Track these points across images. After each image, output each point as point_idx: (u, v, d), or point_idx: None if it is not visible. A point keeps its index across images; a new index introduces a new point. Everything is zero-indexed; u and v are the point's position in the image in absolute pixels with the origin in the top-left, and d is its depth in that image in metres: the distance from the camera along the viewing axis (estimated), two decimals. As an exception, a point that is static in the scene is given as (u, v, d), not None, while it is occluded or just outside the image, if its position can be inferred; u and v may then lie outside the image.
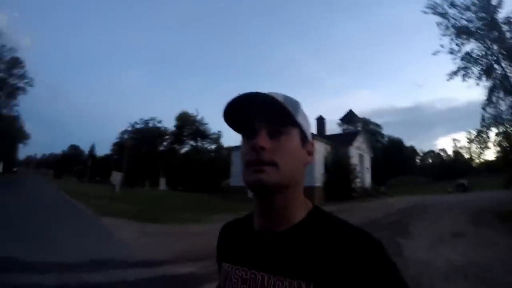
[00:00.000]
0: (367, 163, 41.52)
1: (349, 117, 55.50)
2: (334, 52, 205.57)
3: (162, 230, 11.96)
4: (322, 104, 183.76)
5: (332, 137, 38.38)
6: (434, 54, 20.74)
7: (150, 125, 75.85)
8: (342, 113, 59.86)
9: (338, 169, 30.54)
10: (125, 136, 75.14)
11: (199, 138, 70.92)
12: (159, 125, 76.33)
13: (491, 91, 19.48)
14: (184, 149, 73.33)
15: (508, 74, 19.02)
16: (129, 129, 76.49)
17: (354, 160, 34.65)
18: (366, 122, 73.80)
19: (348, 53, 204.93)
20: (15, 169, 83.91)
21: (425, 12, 20.80)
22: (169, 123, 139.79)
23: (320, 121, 41.84)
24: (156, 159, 67.67)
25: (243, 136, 0.89)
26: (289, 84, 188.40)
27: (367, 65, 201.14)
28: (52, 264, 6.57)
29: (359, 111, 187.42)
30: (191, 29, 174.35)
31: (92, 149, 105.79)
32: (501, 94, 19.35)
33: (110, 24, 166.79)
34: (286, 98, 0.86)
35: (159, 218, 14.80)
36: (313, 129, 29.10)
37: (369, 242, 0.76)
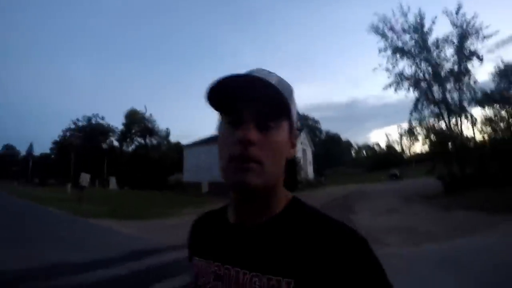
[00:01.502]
0: (309, 156, 45.28)
1: None
2: (274, 44, 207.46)
3: (147, 225, 13.14)
4: None
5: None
6: (373, 70, 24.60)
7: (93, 122, 74.14)
8: None
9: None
10: (68, 134, 73.02)
11: (147, 135, 70.60)
12: (102, 121, 74.80)
13: (417, 100, 23.34)
14: (132, 147, 72.79)
15: (432, 88, 23.06)
16: (72, 127, 73.89)
17: (298, 154, 37.89)
18: (305, 117, 78.10)
19: (287, 46, 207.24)
20: None
21: (368, 32, 24.32)
22: (112, 120, 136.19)
23: None
24: (102, 157, 66.05)
25: (224, 119, 0.79)
26: (224, 72, 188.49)
27: (305, 60, 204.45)
28: (94, 261, 7.09)
29: (298, 105, 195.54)
30: (135, 18, 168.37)
31: (30, 148, 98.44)
32: (425, 103, 23.24)
33: (50, 7, 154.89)
34: (280, 81, 0.79)
35: (135, 215, 15.89)
36: None
37: (353, 238, 0.71)
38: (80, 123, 74.11)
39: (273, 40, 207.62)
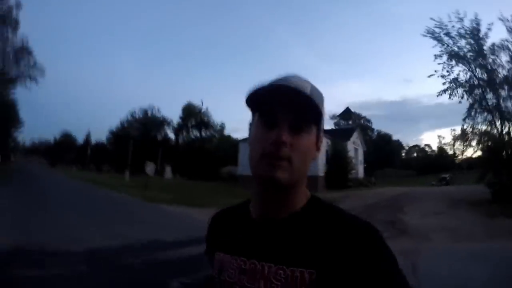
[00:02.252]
0: (361, 156, 46.46)
1: (346, 114, 60.56)
2: (324, 39, 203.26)
3: (211, 212, 15.05)
4: None
5: (332, 132, 42.91)
6: (428, 76, 24.99)
7: (149, 114, 77.31)
8: (330, 103, 64.83)
9: (338, 161, 34.96)
10: (125, 124, 77.12)
11: (203, 128, 72.61)
12: (157, 114, 77.74)
13: (471, 107, 23.77)
14: (188, 139, 74.83)
15: (486, 94, 23.39)
16: (129, 118, 77.76)
17: (351, 153, 39.17)
18: (357, 116, 78.38)
19: (338, 42, 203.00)
20: (12, 159, 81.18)
21: (424, 36, 24.70)
22: (168, 112, 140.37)
23: None
24: (157, 147, 68.25)
25: (260, 119, 0.85)
26: (278, 69, 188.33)
27: (356, 56, 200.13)
28: (180, 240, 8.14)
29: (346, 103, 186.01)
30: (193, 14, 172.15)
31: (88, 137, 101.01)
32: (478, 110, 23.69)
33: (106, 3, 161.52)
34: (313, 89, 0.85)
35: (198, 203, 17.45)
36: None
37: (369, 230, 0.78)
38: (136, 115, 77.51)
39: (323, 35, 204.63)
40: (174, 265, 6.48)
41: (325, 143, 35.08)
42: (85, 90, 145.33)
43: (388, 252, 0.76)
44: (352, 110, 65.54)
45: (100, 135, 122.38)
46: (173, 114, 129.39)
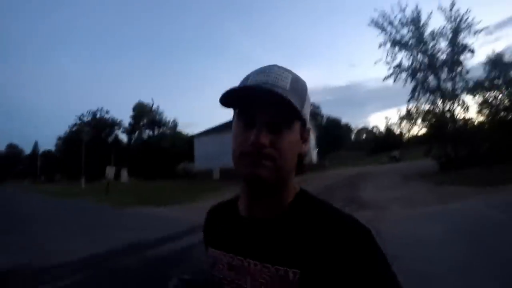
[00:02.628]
0: (313, 141, 47.67)
1: None
2: (270, 29, 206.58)
3: (186, 208, 14.48)
4: None
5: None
6: (375, 63, 26.93)
7: (97, 116, 75.39)
8: None
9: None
10: (74, 129, 74.30)
11: (155, 127, 72.10)
12: (107, 115, 76.09)
13: (414, 89, 25.61)
14: (141, 139, 73.79)
15: (428, 77, 25.41)
16: (78, 122, 75.34)
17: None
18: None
19: (284, 31, 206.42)
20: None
21: (369, 25, 26.49)
22: (117, 113, 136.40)
23: None
24: (109, 150, 66.46)
25: (238, 118, 0.83)
26: (227, 62, 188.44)
27: (302, 45, 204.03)
28: (159, 238, 8.25)
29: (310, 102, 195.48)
30: (136, 10, 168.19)
31: (35, 146, 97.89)
32: (421, 92, 25.51)
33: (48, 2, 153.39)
34: (294, 81, 0.81)
35: (163, 203, 17.28)
36: None
37: (357, 229, 0.76)
38: (85, 118, 75.10)
39: (268, 25, 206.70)
40: (168, 260, 6.63)
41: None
42: (26, 98, 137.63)
43: (378, 251, 0.74)
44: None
45: (48, 144, 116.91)
46: (122, 115, 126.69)
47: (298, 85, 0.82)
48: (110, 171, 27.37)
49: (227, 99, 0.79)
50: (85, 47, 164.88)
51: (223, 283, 0.86)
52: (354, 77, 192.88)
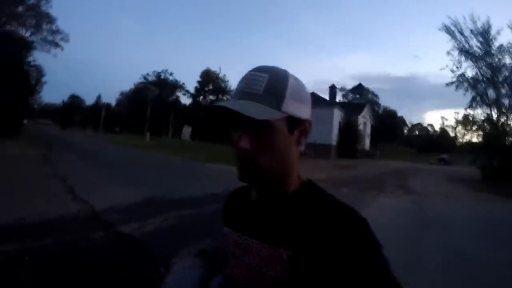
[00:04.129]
0: (368, 130, 50.20)
1: (359, 89, 64.20)
2: (332, 9, 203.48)
3: None
4: (318, 62, 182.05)
5: (345, 105, 46.56)
6: (441, 69, 28.94)
7: (162, 77, 79.96)
8: (338, 73, 67.14)
9: (349, 133, 38.56)
10: (139, 87, 79.04)
11: (220, 94, 75.33)
12: (170, 77, 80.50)
13: (473, 99, 27.72)
14: (206, 103, 75.79)
15: (488, 90, 27.27)
16: (143, 80, 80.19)
17: (360, 127, 42.85)
18: (366, 91, 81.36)
19: (349, 12, 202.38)
20: (25, 121, 79.86)
21: (440, 30, 28.31)
22: (180, 76, 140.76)
23: (332, 89, 47.20)
24: (174, 110, 71.16)
25: (230, 124, 0.86)
26: (285, 37, 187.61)
27: (365, 27, 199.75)
28: None
29: (353, 74, 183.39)
30: None
31: (98, 99, 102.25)
32: (479, 103, 27.68)
33: None
34: (270, 81, 0.81)
35: (230, 162, 18.98)
36: (325, 95, 42.09)
37: (352, 216, 0.78)
38: (149, 78, 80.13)
39: (334, 5, 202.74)
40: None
41: (338, 115, 38.56)
42: (92, 55, 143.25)
43: (372, 241, 0.75)
44: (360, 82, 68.45)
45: (109, 98, 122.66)
46: (185, 79, 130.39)
47: (274, 84, 0.81)
48: (186, 130, 29.98)
49: (216, 113, 0.85)
50: (154, 11, 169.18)
51: (231, 257, 0.93)
52: (417, 69, 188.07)
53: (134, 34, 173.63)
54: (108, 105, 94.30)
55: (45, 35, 35.85)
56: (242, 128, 0.81)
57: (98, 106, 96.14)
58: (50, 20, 35.01)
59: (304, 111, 0.86)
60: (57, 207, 6.94)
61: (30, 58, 37.31)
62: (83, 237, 5.33)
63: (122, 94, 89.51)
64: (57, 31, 36.28)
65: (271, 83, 0.81)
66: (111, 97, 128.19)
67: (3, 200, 6.98)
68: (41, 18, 34.03)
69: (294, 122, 0.84)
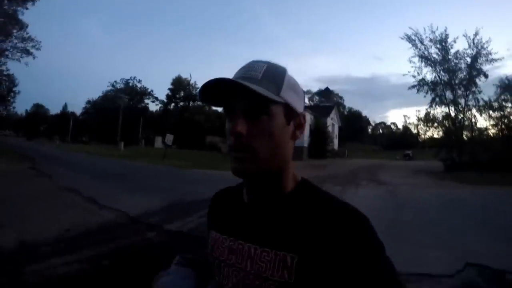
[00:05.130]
0: (336, 131, 52.48)
1: (326, 93, 67.13)
2: (295, 11, 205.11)
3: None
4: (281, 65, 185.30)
5: (313, 108, 48.70)
6: (404, 75, 32.26)
7: (130, 84, 79.62)
8: (301, 77, 70.38)
9: (319, 135, 40.52)
10: (108, 94, 78.90)
11: (191, 101, 75.70)
12: (139, 84, 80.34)
13: (433, 100, 30.46)
14: (177, 110, 77.36)
15: (445, 92, 30.16)
16: (111, 88, 79.66)
17: (329, 128, 44.93)
18: (331, 93, 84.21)
19: (309, 14, 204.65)
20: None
21: (402, 38, 30.91)
22: (148, 83, 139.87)
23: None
24: (144, 118, 71.50)
25: (224, 113, 0.84)
26: (251, 42, 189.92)
27: (327, 32, 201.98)
28: None
29: (316, 76, 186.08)
30: None
31: (64, 108, 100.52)
32: (438, 103, 30.45)
33: None
34: (268, 69, 0.81)
35: (214, 167, 20.10)
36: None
37: (355, 216, 0.76)
38: (118, 85, 79.55)
39: (296, 9, 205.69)
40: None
41: (309, 118, 40.31)
42: (55, 62, 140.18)
43: (376, 241, 0.74)
44: (322, 84, 71.34)
45: (72, 107, 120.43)
46: (152, 86, 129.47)
47: (273, 72, 0.81)
48: (168, 138, 29.97)
49: (205, 96, 0.82)
50: (117, 18, 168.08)
51: (223, 265, 0.87)
52: (378, 70, 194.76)
53: (98, 42, 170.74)
54: (72, 114, 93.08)
55: (15, 42, 33.86)
56: (238, 112, 0.79)
57: (65, 115, 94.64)
58: (21, 26, 33.03)
59: (299, 104, 0.85)
60: (91, 217, 7.37)
61: (3, 67, 36.58)
62: (140, 238, 5.94)
63: (89, 102, 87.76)
64: (28, 38, 34.13)
65: (269, 71, 0.81)
66: (75, 106, 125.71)
67: (33, 216, 7.26)
68: (12, 24, 32.17)
69: (290, 112, 0.82)
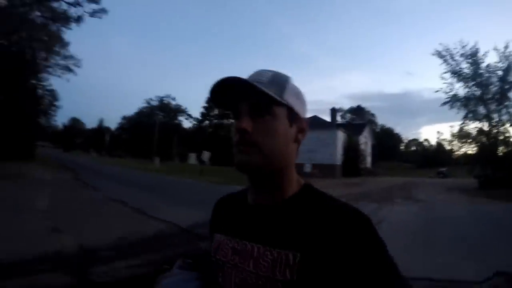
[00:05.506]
0: (369, 148, 52.82)
1: (359, 111, 67.77)
2: (325, 29, 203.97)
3: None
4: (312, 83, 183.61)
5: (346, 126, 49.25)
6: (436, 91, 31.89)
7: (165, 102, 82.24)
8: (332, 94, 70.59)
9: (352, 153, 41.22)
10: (145, 110, 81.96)
11: (225, 118, 75.49)
12: (173, 102, 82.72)
13: (466, 116, 30.62)
14: (211, 127, 78.16)
15: (478, 107, 30.30)
16: (146, 105, 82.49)
17: (362, 146, 45.49)
18: (364, 111, 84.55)
19: (339, 32, 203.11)
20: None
21: (433, 54, 31.32)
22: (181, 101, 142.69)
23: (333, 112, 48.08)
24: (179, 134, 73.75)
25: (232, 116, 0.89)
26: (280, 61, 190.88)
27: (357, 48, 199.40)
28: None
29: (347, 93, 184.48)
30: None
31: (101, 123, 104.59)
32: (471, 119, 30.63)
33: None
34: (274, 76, 0.87)
35: (246, 183, 21.48)
36: (324, 116, 43.30)
37: (357, 216, 0.78)
38: (153, 102, 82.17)
39: (324, 26, 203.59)
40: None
41: (341, 136, 41.10)
42: (92, 79, 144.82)
43: (378, 239, 0.76)
44: (354, 101, 72.03)
45: (107, 122, 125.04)
46: (186, 103, 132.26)
47: (277, 78, 0.87)
48: (205, 155, 31.31)
49: (215, 99, 0.87)
50: (149, 38, 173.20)
51: (226, 266, 0.88)
52: (410, 85, 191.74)
53: (132, 60, 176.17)
54: (107, 128, 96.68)
55: (57, 60, 35.58)
56: (243, 110, 0.84)
57: (101, 129, 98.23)
58: (64, 44, 34.64)
59: (301, 110, 0.91)
60: (142, 227, 7.83)
61: (46, 83, 38.35)
62: (193, 247, 6.23)
63: (124, 118, 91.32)
64: (70, 56, 35.93)
65: (274, 77, 0.87)
66: (110, 121, 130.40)
67: (87, 224, 7.84)
68: (55, 42, 33.40)
69: (293, 116, 0.88)
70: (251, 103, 0.83)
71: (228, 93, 0.84)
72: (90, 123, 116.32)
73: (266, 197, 0.89)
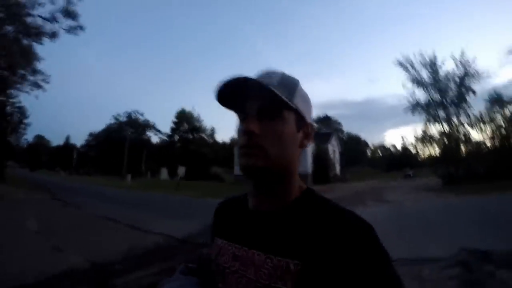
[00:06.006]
0: (337, 156, 54.13)
1: (325, 120, 69.83)
2: (289, 37, 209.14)
3: None
4: None
5: (314, 136, 49.99)
6: (399, 101, 34.10)
7: (133, 117, 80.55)
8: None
9: (321, 161, 42.27)
10: (112, 127, 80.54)
11: (195, 133, 76.73)
12: (141, 117, 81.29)
13: (427, 120, 32.79)
14: (181, 142, 77.35)
15: (438, 112, 32.28)
16: (114, 121, 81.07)
17: (330, 154, 46.72)
18: (330, 120, 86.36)
19: (303, 41, 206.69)
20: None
21: (395, 64, 33.37)
22: (149, 116, 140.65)
23: None
24: (148, 150, 72.87)
25: (238, 117, 0.88)
26: (245, 67, 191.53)
27: (320, 56, 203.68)
28: None
29: (312, 102, 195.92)
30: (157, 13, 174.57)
31: (67, 140, 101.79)
32: (433, 123, 32.78)
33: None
34: (283, 78, 0.87)
35: (221, 196, 21.13)
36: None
37: (359, 225, 0.77)
38: (120, 118, 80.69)
39: (288, 35, 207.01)
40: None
41: (311, 145, 41.92)
42: (55, 95, 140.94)
43: (380, 249, 0.75)
44: (320, 109, 74.03)
45: (73, 139, 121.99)
46: (153, 118, 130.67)
47: (287, 81, 0.88)
48: (181, 170, 31.50)
49: (222, 99, 0.86)
50: (118, 50, 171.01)
51: (227, 272, 0.88)
52: (373, 92, 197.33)
53: (98, 75, 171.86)
54: (72, 145, 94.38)
55: (24, 74, 31.80)
56: (251, 112, 0.84)
57: (67, 147, 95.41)
58: (35, 59, 31.10)
59: (308, 114, 0.91)
60: (142, 241, 8.13)
61: (15, 99, 35.92)
62: (196, 255, 7.19)
63: (91, 135, 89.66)
64: (39, 71, 32.13)
65: (284, 79, 0.87)
66: (76, 138, 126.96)
67: (87, 242, 8.01)
68: (27, 57, 29.69)
69: (300, 121, 0.88)
70: (260, 105, 0.84)
71: (234, 92, 0.85)
72: (55, 140, 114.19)
73: (267, 202, 0.89)
